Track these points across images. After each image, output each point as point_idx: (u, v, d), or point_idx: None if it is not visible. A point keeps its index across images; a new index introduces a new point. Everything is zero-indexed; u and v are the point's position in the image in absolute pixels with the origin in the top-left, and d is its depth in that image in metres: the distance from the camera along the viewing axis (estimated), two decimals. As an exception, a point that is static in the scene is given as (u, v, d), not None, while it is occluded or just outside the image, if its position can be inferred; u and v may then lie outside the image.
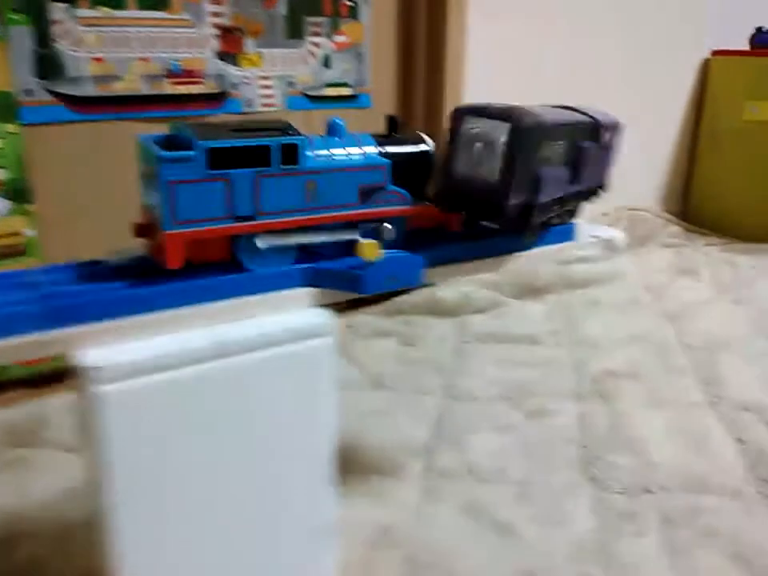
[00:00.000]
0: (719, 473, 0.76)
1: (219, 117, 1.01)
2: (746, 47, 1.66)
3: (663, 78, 1.64)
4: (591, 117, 0.59)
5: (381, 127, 0.55)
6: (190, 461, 0.40)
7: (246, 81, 1.02)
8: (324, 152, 0.49)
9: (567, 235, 0.59)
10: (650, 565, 0.64)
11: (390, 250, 0.47)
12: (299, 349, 0.42)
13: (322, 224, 0.48)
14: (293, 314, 0.43)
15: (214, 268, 0.46)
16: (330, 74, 1.09)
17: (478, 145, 0.48)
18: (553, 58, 1.41)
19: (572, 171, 0.56)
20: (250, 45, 1.01)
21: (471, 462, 0.78)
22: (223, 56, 0.99)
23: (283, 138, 0.45)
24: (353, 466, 0.78)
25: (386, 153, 0.52)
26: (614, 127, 0.62)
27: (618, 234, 0.61)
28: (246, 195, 0.44)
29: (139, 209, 0.47)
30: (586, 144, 0.56)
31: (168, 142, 0.45)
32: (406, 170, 0.52)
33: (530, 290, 1.26)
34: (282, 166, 0.45)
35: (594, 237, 0.60)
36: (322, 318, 0.44)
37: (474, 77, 1.24)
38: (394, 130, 0.55)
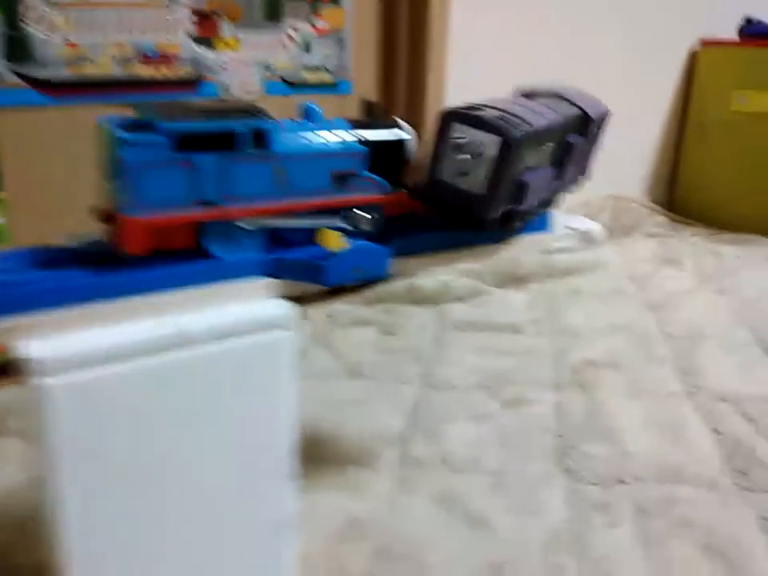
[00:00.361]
0: (695, 463, 0.76)
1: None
2: (735, 37, 1.65)
3: (651, 67, 1.63)
4: (580, 108, 0.57)
5: (362, 115, 0.54)
6: (143, 455, 0.39)
7: (222, 65, 1.00)
8: (296, 137, 0.47)
9: (542, 226, 0.58)
10: (623, 556, 0.64)
11: (357, 240, 0.46)
12: (258, 340, 0.41)
13: (294, 211, 0.47)
14: (252, 304, 0.42)
15: (178, 256, 0.44)
16: (310, 60, 1.07)
17: (465, 155, 0.47)
18: (539, 46, 1.40)
19: (558, 168, 0.54)
20: (226, 28, 0.99)
21: (446, 451, 0.78)
22: (199, 39, 0.97)
23: (253, 121, 0.43)
24: (327, 456, 0.77)
25: (361, 138, 0.50)
26: (602, 118, 0.61)
27: (594, 226, 0.60)
28: (212, 180, 0.43)
29: (102, 193, 0.46)
30: (574, 140, 0.55)
31: (133, 125, 0.43)
32: (382, 157, 0.51)
33: (512, 279, 1.25)
34: (250, 151, 0.44)
35: (570, 228, 0.59)
36: (283, 309, 0.42)
37: (458, 64, 1.23)
38: (370, 116, 0.54)
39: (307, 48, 1.06)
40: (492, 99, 0.51)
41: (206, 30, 0.97)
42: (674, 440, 0.80)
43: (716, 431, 0.82)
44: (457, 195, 0.48)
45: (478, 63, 1.29)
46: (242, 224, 0.45)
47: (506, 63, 1.33)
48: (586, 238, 0.59)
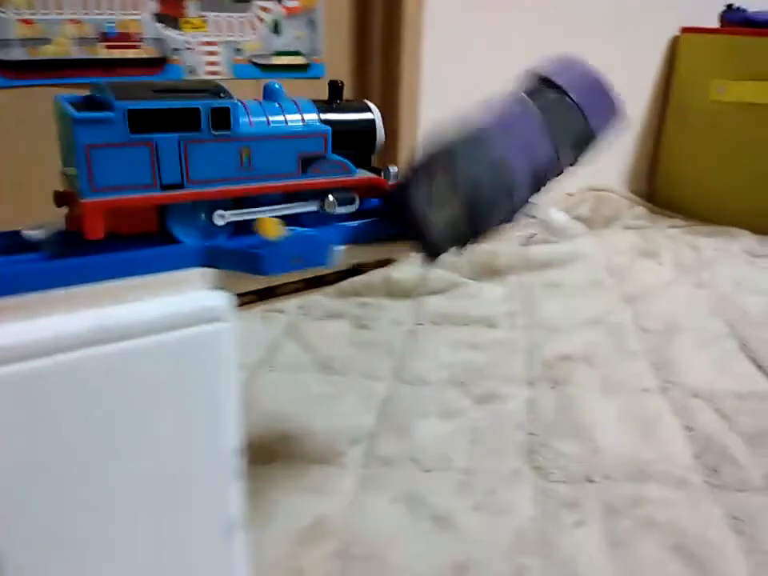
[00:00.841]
0: (665, 461, 0.75)
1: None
2: (717, 25, 1.63)
3: (631, 54, 1.60)
4: (584, 116, 0.55)
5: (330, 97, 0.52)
6: (70, 460, 0.36)
7: (188, 46, 0.96)
8: (260, 118, 0.46)
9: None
10: (589, 556, 0.62)
11: (298, 228, 0.43)
12: (193, 334, 0.38)
13: (261, 194, 0.45)
14: (187, 295, 0.40)
15: (140, 240, 0.42)
16: (281, 42, 1.04)
17: (438, 190, 0.47)
18: (518, 28, 1.37)
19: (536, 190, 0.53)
20: (192, 8, 0.95)
21: (415, 449, 0.76)
22: (163, 19, 0.93)
23: (214, 100, 0.42)
24: (293, 453, 0.75)
25: (328, 120, 0.49)
26: (607, 122, 0.58)
27: (560, 216, 0.58)
28: (173, 162, 0.41)
29: (60, 176, 0.44)
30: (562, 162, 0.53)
31: (88, 104, 0.41)
32: (349, 139, 0.50)
33: (490, 271, 1.23)
34: (212, 131, 0.42)
35: (535, 218, 0.57)
36: (219, 300, 0.40)
37: (435, 46, 1.20)
38: (337, 97, 0.52)
39: (277, 29, 1.03)
40: (479, 120, 0.49)
41: (170, 8, 0.93)
42: (645, 437, 0.79)
43: (688, 428, 0.81)
44: (416, 222, 0.47)
45: (455, 44, 1.26)
46: (214, 219, 0.43)
47: (484, 43, 1.31)
48: (549, 228, 0.56)
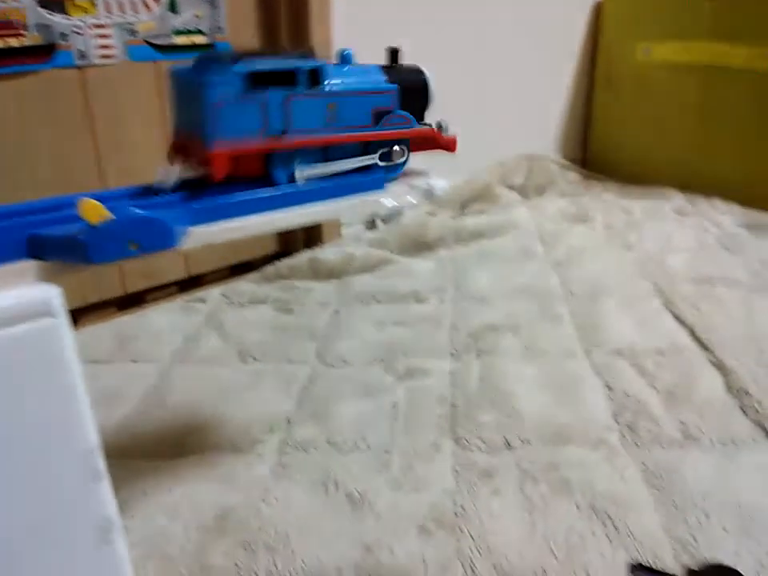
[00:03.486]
0: (583, 423, 0.74)
1: (50, 72, 0.90)
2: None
3: (556, 18, 1.59)
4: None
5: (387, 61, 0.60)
6: None
7: (77, 30, 0.91)
8: (340, 78, 0.53)
9: (375, 184, 0.54)
10: (505, 523, 0.61)
11: (132, 209, 0.40)
12: (18, 333, 0.35)
13: (341, 143, 0.53)
14: (10, 292, 0.37)
15: (250, 182, 0.50)
16: (179, 21, 0.99)
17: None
18: None
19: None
20: (77, -11, 0.90)
21: (332, 432, 0.74)
22: (47, 4, 0.88)
23: (308, 62, 0.50)
24: (205, 446, 0.73)
25: (392, 80, 0.56)
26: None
27: (438, 182, 0.56)
28: (278, 114, 0.49)
29: (173, 131, 0.51)
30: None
31: (202, 69, 0.47)
32: (409, 97, 0.57)
33: (419, 246, 1.22)
34: (307, 89, 0.50)
35: (411, 186, 0.55)
36: (48, 294, 0.37)
37: (346, 18, 1.17)
38: (395, 61, 0.59)
39: (174, 8, 0.98)
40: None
41: (52, -9, 0.88)
42: (565, 400, 0.79)
43: (608, 388, 0.81)
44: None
45: (368, 16, 1.23)
46: (296, 173, 0.51)
47: (397, 14, 1.28)
48: (427, 195, 0.55)
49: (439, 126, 0.59)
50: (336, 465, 0.69)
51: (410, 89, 0.57)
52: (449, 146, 0.61)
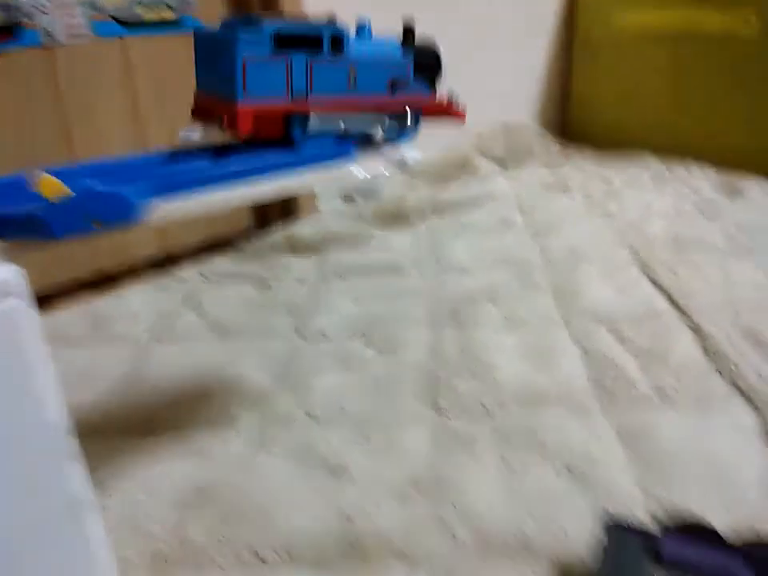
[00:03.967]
0: (561, 387, 0.75)
1: (14, 51, 0.88)
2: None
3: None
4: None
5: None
6: None
7: (40, 8, 0.89)
8: (360, 47, 0.54)
9: (346, 155, 0.53)
10: (483, 487, 0.62)
11: (92, 184, 0.39)
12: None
13: (359, 109, 0.55)
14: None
15: (271, 143, 0.51)
16: (145, -5, 0.97)
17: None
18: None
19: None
20: (37, -36, 0.88)
21: (311, 404, 0.74)
22: (5, -22, 0.86)
23: (332, 28, 0.52)
24: (182, 423, 0.72)
25: (407, 52, 0.58)
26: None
27: (411, 153, 0.55)
28: (302, 76, 0.50)
29: (195, 94, 0.52)
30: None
31: (230, 29, 0.48)
32: (422, 69, 0.60)
33: (398, 219, 1.21)
34: (330, 54, 0.52)
35: (384, 156, 0.55)
36: (8, 274, 0.36)
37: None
38: (411, 36, 0.61)
39: (139, -18, 0.96)
40: None
41: (11, -34, 0.85)
42: (543, 367, 0.79)
43: (586, 353, 0.81)
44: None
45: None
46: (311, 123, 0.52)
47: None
48: (401, 166, 0.54)
49: (451, 97, 0.63)
50: (315, 437, 0.69)
51: (424, 63, 0.60)
52: (459, 116, 0.64)
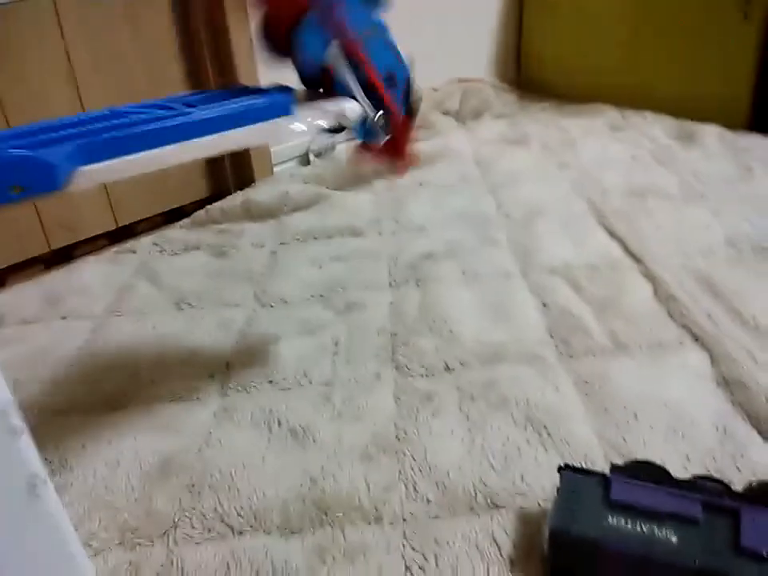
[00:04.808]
0: (519, 340, 0.76)
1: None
2: None
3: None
4: None
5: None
6: None
7: None
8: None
9: (285, 110, 0.52)
10: (445, 442, 0.63)
11: (9, 149, 0.37)
12: None
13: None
14: None
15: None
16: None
17: None
18: None
19: None
20: None
21: (273, 371, 0.74)
22: None
23: None
24: (144, 396, 0.72)
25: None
26: None
27: (350, 105, 0.54)
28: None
29: None
30: None
31: None
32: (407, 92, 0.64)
33: (355, 179, 1.20)
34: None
35: (322, 110, 0.53)
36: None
37: None
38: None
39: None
40: None
41: None
42: (501, 320, 0.80)
43: (543, 304, 0.82)
44: None
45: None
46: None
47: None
48: (340, 119, 0.53)
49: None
50: (278, 402, 0.69)
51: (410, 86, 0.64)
52: (400, 152, 0.67)
